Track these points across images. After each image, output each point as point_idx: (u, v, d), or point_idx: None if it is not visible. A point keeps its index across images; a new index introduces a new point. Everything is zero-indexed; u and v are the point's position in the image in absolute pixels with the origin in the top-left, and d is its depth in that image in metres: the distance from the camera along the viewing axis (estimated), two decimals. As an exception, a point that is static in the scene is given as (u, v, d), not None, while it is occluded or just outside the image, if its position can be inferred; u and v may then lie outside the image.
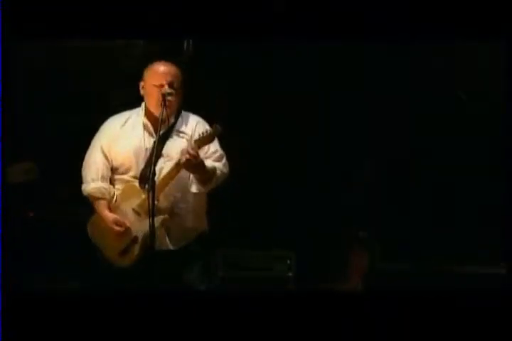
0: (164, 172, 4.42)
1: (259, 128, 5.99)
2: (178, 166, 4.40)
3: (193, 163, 4.33)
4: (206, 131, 4.39)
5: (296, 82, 5.95)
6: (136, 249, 4.45)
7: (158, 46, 5.79)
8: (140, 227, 4.43)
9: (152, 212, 4.18)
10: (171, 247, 4.50)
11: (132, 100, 4.64)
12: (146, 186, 4.24)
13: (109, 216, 4.51)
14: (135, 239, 4.46)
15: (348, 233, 5.98)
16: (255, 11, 4.74)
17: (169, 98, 4.42)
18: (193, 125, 4.57)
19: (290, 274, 5.75)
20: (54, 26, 4.64)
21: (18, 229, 5.23)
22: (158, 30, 4.83)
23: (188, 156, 4.31)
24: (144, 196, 4.36)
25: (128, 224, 4.48)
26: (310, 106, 6.01)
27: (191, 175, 4.47)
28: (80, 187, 4.59)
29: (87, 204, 4.60)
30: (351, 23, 4.77)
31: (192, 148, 4.33)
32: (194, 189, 4.50)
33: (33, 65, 5.79)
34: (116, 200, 4.55)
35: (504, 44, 4.85)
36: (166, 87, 4.44)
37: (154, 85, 4.47)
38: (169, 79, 4.47)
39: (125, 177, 4.53)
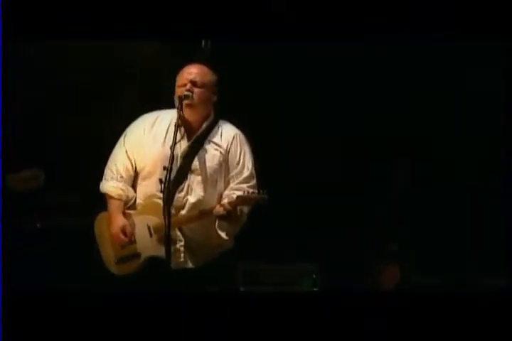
0: (191, 199, 4.24)
1: (276, 136, 5.84)
2: (205, 213, 4.21)
3: (227, 217, 4.19)
4: (253, 193, 4.19)
5: (297, 83, 5.93)
6: (136, 264, 4.29)
7: (158, 47, 5.80)
8: (147, 247, 4.27)
9: (168, 238, 3.99)
10: (191, 266, 4.31)
11: (134, 101, 4.60)
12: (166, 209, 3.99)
13: (119, 221, 4.31)
14: (137, 255, 4.30)
15: (378, 245, 5.75)
16: (255, 11, 4.74)
17: (186, 101, 4.21)
18: (230, 138, 4.34)
19: (315, 289, 5.42)
20: (54, 26, 4.64)
21: (18, 230, 5.22)
22: (156, 31, 4.82)
23: (223, 212, 4.15)
24: (162, 220, 4.06)
25: (135, 238, 4.30)
26: (313, 107, 5.96)
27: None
28: (77, 191, 4.51)
29: (88, 209, 4.55)
30: (351, 23, 4.77)
31: (230, 203, 4.16)
32: (224, 235, 4.30)
33: (33, 65, 5.78)
34: (136, 208, 4.36)
35: (504, 44, 4.86)
36: (187, 86, 4.22)
37: (178, 86, 4.29)
38: (191, 77, 4.27)
39: (148, 184, 4.30)
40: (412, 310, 4.38)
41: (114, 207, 4.35)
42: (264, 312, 4.27)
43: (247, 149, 4.38)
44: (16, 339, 4.14)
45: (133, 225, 4.32)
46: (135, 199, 4.38)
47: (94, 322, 4.23)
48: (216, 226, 4.28)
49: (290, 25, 4.81)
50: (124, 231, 4.29)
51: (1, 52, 4.46)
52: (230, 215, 4.18)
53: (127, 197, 4.36)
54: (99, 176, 4.47)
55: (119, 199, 4.35)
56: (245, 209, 4.26)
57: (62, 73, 5.83)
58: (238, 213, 4.22)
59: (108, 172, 4.40)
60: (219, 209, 4.18)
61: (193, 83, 4.25)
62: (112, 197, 4.36)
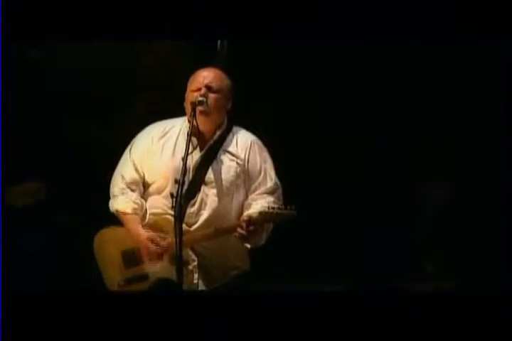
0: (205, 215, 3.94)
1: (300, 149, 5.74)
2: (221, 232, 3.89)
3: (249, 236, 3.85)
4: (279, 208, 3.82)
5: (298, 83, 5.93)
6: (143, 287, 3.99)
7: (158, 47, 5.80)
8: (156, 268, 3.98)
9: (179, 258, 3.65)
10: (204, 288, 4.00)
11: (137, 103, 4.57)
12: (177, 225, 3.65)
13: (143, 233, 3.95)
14: (145, 277, 4.01)
15: (412, 267, 5.58)
16: (255, 10, 4.74)
17: (200, 108, 3.90)
18: (247, 145, 4.01)
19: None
20: (54, 26, 4.64)
21: (18, 230, 5.21)
22: (154, 31, 4.82)
23: (243, 233, 3.82)
24: (173, 239, 3.71)
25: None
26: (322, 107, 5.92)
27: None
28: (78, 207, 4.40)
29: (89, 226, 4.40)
30: (351, 23, 4.78)
31: (250, 222, 3.81)
32: (249, 246, 3.97)
33: (33, 65, 5.76)
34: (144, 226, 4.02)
35: (504, 44, 4.87)
36: (201, 91, 3.92)
37: (191, 90, 3.97)
38: (207, 81, 3.94)
39: (157, 198, 4.00)
40: (414, 311, 4.39)
41: (132, 221, 4.01)
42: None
43: (267, 156, 4.07)
44: (15, 339, 4.15)
45: None
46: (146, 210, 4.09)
47: (94, 323, 4.23)
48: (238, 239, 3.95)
49: (290, 25, 4.82)
50: (153, 241, 3.94)
51: (1, 52, 4.46)
52: (252, 233, 3.87)
53: (142, 210, 4.04)
54: (102, 190, 4.22)
55: (135, 214, 4.03)
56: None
57: (64, 76, 5.81)
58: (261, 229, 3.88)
59: (115, 189, 4.08)
60: (240, 232, 3.85)
61: (208, 88, 3.96)
62: (126, 214, 4.02)
